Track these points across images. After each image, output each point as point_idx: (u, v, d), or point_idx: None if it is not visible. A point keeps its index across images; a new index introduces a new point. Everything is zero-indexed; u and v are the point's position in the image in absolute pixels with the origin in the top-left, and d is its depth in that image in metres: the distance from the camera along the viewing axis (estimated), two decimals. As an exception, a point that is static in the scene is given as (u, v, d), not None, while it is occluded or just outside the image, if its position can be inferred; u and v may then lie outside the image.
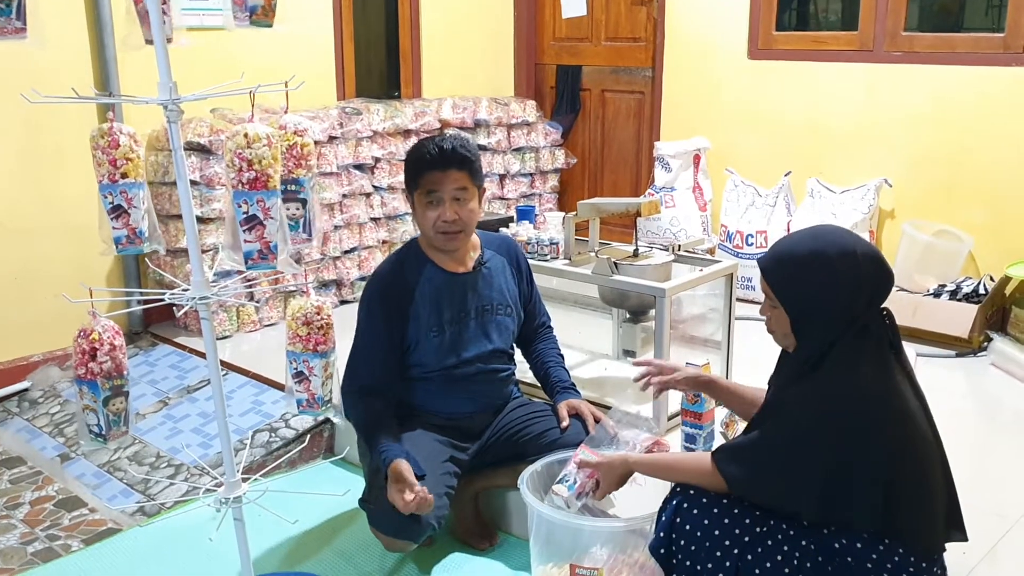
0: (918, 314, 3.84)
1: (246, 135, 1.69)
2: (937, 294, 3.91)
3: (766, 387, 2.22)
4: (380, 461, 2.40)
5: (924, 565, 1.85)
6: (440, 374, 2.58)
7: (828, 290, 1.86)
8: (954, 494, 1.95)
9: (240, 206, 1.73)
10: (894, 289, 3.96)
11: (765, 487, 1.89)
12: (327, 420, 3.29)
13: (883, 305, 1.93)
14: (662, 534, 1.99)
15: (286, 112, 1.81)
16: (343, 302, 4.51)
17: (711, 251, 4.67)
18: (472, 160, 2.52)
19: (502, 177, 5.31)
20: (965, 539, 1.96)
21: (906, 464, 1.85)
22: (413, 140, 4.69)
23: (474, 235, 2.66)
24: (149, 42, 1.95)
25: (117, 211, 1.84)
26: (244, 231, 1.74)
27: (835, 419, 1.81)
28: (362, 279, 4.53)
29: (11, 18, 1.69)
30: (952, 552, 2.22)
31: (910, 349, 3.26)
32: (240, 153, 1.70)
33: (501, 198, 5.30)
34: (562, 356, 2.84)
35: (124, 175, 1.82)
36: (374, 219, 4.62)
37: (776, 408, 1.93)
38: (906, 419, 1.87)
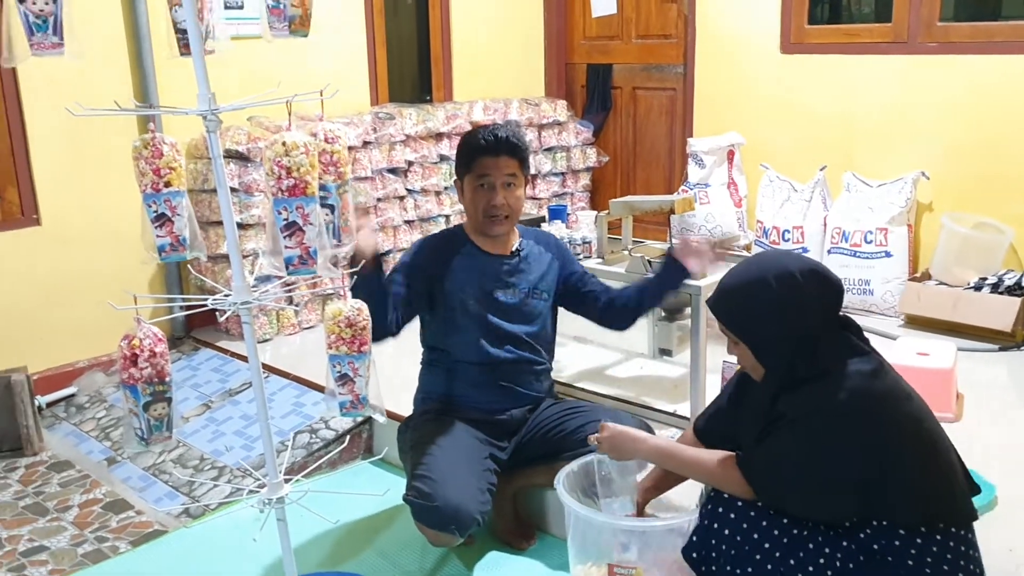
0: (958, 308, 3.80)
1: (284, 143, 1.72)
2: (978, 287, 3.86)
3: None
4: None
5: (962, 549, 1.85)
6: (475, 356, 2.60)
7: (774, 314, 1.90)
8: (960, 458, 1.95)
9: (280, 213, 1.76)
10: (933, 283, 3.97)
11: (798, 496, 1.88)
12: (367, 420, 3.33)
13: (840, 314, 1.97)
14: (695, 538, 1.99)
15: (321, 120, 1.84)
16: (380, 304, 4.55)
17: (747, 247, 4.65)
18: (523, 149, 2.60)
19: (533, 177, 5.33)
20: (979, 492, 1.96)
21: (922, 443, 1.85)
22: (445, 143, 4.75)
23: (515, 227, 2.72)
24: (184, 54, 2.00)
25: (161, 219, 1.87)
26: (284, 237, 1.77)
27: (848, 416, 1.83)
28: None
29: (47, 33, 1.74)
30: (999, 549, 2.21)
31: (950, 343, 3.25)
32: (279, 161, 1.73)
33: (533, 198, 5.31)
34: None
35: (168, 184, 1.85)
36: (408, 222, 4.67)
37: (788, 417, 1.91)
38: (909, 398, 1.88)
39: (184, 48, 1.95)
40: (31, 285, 3.84)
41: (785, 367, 1.90)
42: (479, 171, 2.57)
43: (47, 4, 1.70)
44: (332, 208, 1.99)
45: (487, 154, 2.56)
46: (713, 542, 1.96)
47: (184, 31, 1.87)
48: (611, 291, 2.77)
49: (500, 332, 2.62)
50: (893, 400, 1.85)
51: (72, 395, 3.94)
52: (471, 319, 2.60)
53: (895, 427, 1.83)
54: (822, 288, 1.92)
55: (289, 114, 1.80)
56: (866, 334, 1.98)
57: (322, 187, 1.93)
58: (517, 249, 2.69)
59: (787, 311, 1.89)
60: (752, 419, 1.99)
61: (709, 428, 2.22)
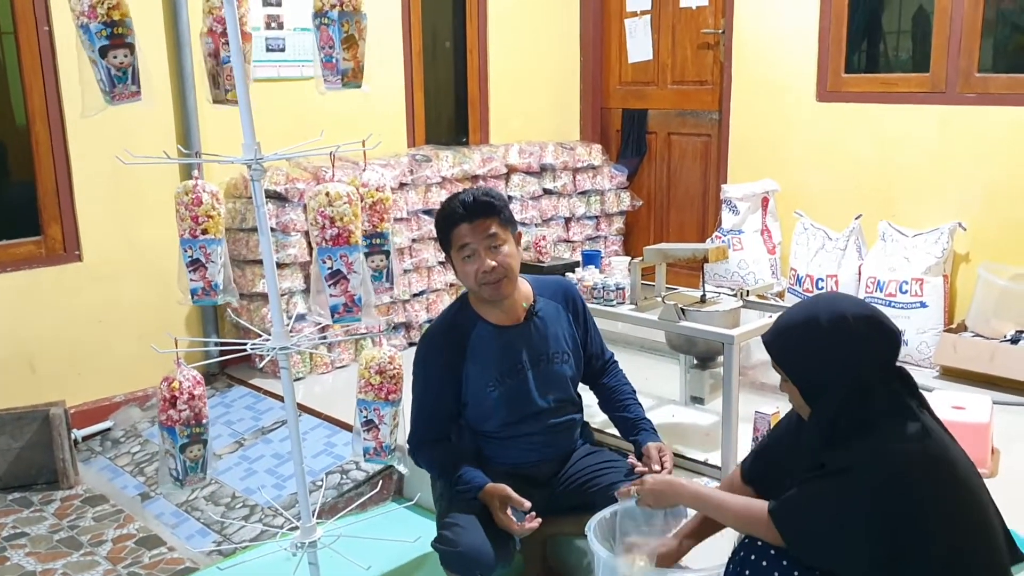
0: (995, 360, 3.75)
1: (327, 194, 1.76)
2: (1015, 340, 3.81)
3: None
4: (467, 491, 2.44)
5: None
6: (504, 430, 2.59)
7: (824, 357, 1.87)
8: (1004, 524, 1.90)
9: (324, 262, 1.79)
10: (969, 335, 3.91)
11: (816, 549, 1.85)
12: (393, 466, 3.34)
13: (898, 365, 1.92)
14: None
15: (364, 171, 1.88)
16: (411, 344, 4.58)
17: (780, 294, 4.63)
18: (497, 205, 2.49)
19: (567, 220, 5.36)
20: (1022, 559, 1.91)
21: (962, 515, 1.81)
22: (482, 185, 4.79)
23: (527, 283, 2.64)
24: (219, 101, 2.06)
25: (195, 265, 1.93)
26: (329, 286, 1.80)
27: (882, 479, 1.79)
28: (430, 322, 4.59)
29: (127, 84, 1.84)
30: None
31: (986, 396, 3.20)
32: (323, 211, 1.77)
33: (567, 240, 5.34)
34: (635, 391, 2.81)
35: (204, 231, 1.91)
36: (442, 262, 4.69)
37: (827, 468, 1.88)
38: (951, 467, 1.83)
39: (231, 95, 2.01)
40: (71, 320, 3.91)
41: (831, 411, 1.86)
42: (459, 243, 2.47)
43: (126, 57, 1.79)
44: (387, 254, 2.04)
45: (462, 222, 2.45)
46: None
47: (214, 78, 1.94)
48: (610, 369, 2.82)
49: (530, 404, 2.59)
50: (932, 470, 1.80)
51: (108, 429, 3.99)
52: (496, 395, 2.56)
53: (928, 499, 1.78)
54: (875, 336, 1.87)
55: (332, 165, 1.84)
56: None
57: (379, 235, 1.97)
58: (530, 310, 2.61)
59: (835, 355, 1.86)
60: (804, 462, 1.97)
61: (756, 468, 2.20)
